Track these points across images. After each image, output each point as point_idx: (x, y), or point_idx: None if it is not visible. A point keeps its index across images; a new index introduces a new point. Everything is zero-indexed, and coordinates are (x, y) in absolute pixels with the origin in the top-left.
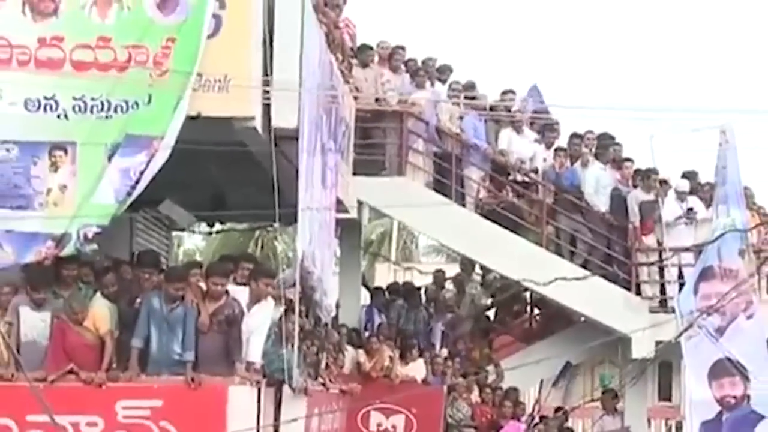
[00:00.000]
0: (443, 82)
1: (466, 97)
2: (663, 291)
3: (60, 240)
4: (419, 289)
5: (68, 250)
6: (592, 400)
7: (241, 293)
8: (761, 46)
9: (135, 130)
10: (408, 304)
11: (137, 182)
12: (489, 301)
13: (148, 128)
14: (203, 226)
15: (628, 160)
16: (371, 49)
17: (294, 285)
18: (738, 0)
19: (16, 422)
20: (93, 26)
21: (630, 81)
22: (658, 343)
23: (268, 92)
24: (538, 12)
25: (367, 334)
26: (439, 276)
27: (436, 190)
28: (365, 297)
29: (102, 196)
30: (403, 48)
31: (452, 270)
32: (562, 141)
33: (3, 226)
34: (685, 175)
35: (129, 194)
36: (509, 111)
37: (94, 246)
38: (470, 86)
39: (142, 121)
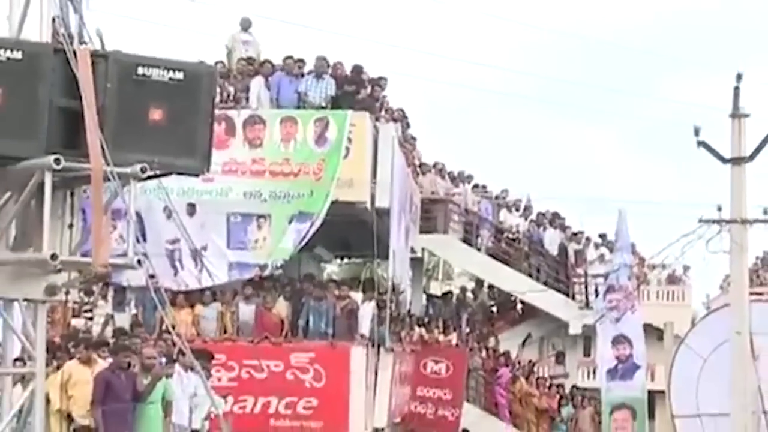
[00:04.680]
0: (469, 183)
1: (481, 192)
2: (587, 297)
3: (262, 267)
4: (452, 294)
5: (267, 273)
6: (549, 357)
7: (357, 297)
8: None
9: (304, 209)
10: (444, 303)
11: (305, 237)
12: (492, 302)
13: (311, 209)
14: (338, 261)
15: (568, 227)
16: (427, 164)
17: (387, 292)
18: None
19: (238, 364)
20: (280, 153)
21: (572, 179)
22: (584, 326)
23: (374, 187)
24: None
25: (426, 320)
26: (463, 289)
27: (464, 242)
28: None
29: (285, 244)
30: (443, 164)
31: (471, 285)
32: (534, 215)
33: (234, 258)
34: (600, 235)
35: (300, 243)
36: (505, 200)
37: (281, 271)
38: (484, 186)
39: (308, 204)
